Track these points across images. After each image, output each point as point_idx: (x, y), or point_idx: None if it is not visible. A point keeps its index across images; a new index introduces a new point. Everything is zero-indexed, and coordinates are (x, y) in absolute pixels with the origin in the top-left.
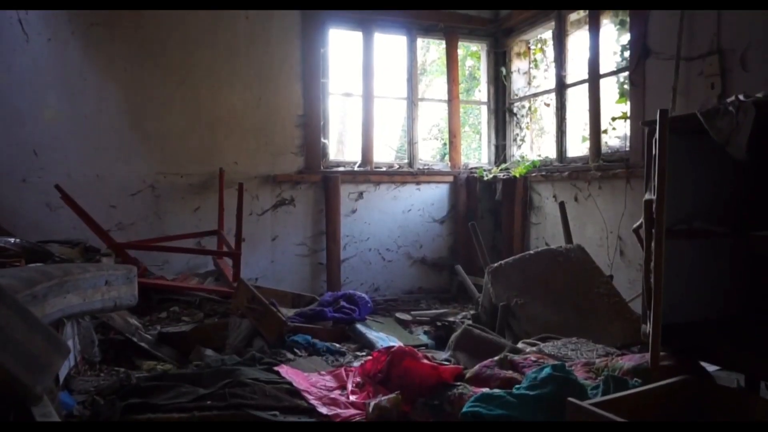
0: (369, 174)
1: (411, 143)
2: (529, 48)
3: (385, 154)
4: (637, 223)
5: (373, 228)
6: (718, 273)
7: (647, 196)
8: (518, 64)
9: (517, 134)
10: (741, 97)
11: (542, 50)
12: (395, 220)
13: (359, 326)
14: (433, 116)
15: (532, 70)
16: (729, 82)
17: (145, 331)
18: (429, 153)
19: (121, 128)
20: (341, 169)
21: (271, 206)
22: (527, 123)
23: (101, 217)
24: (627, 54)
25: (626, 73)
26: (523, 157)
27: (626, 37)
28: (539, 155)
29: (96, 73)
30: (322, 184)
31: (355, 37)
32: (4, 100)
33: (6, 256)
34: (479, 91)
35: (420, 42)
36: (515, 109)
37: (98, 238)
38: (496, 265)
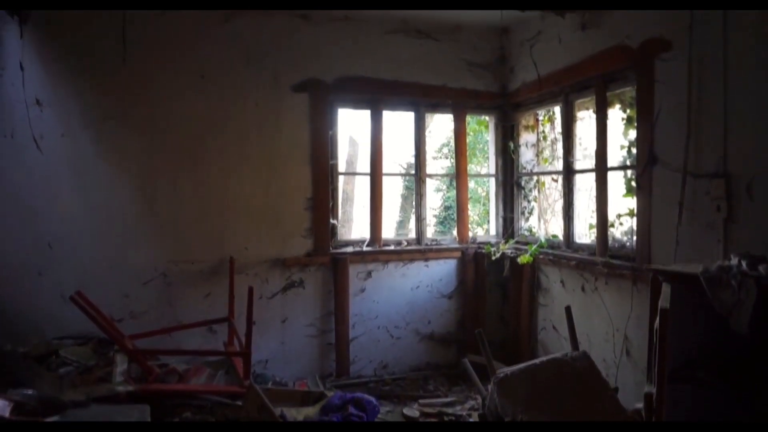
0: (378, 253)
1: (419, 219)
2: (537, 120)
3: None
4: (639, 406)
5: (382, 306)
6: (716, 413)
7: (647, 389)
8: (526, 137)
9: (525, 207)
10: (744, 264)
11: (551, 121)
12: (404, 297)
13: None
14: (442, 127)
15: (540, 143)
16: (735, 209)
17: None
18: (439, 168)
19: (133, 218)
20: (350, 249)
21: (281, 289)
22: (535, 196)
23: (115, 306)
24: (634, 150)
25: (633, 170)
26: (530, 231)
27: (633, 133)
28: (546, 232)
29: (108, 165)
30: (331, 266)
31: (363, 114)
32: (19, 197)
33: (24, 413)
34: (487, 127)
35: None
36: (523, 182)
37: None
38: (501, 375)
